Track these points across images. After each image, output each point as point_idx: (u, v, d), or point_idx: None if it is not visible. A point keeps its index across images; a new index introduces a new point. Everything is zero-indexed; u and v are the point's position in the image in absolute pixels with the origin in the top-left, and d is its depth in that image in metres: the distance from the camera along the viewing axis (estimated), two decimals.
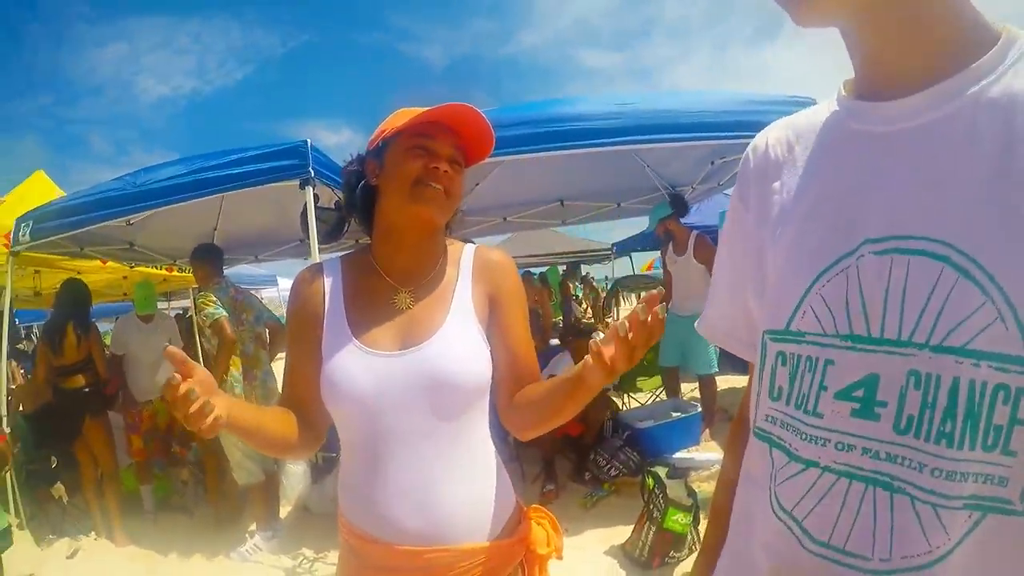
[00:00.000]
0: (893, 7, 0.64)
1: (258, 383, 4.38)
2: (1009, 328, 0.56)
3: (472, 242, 1.48)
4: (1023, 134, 0.58)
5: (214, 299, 4.17)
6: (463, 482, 1.25)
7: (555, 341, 6.99)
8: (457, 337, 1.25)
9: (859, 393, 0.64)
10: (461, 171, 1.30)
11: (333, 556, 3.84)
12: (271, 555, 4.10)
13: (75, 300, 4.81)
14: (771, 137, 0.84)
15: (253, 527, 4.36)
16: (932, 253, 0.60)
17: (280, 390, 4.92)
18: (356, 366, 1.24)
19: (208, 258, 4.53)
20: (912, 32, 0.64)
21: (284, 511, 4.65)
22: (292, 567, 3.91)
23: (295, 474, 4.63)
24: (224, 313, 4.12)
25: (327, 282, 1.35)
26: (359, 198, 1.34)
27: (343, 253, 1.43)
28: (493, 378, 1.30)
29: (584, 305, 15.60)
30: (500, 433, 1.37)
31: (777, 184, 0.79)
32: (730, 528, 0.84)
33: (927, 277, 0.60)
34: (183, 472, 5.68)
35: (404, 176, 1.24)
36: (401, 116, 1.28)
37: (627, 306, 14.70)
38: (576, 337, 5.68)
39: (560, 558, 1.39)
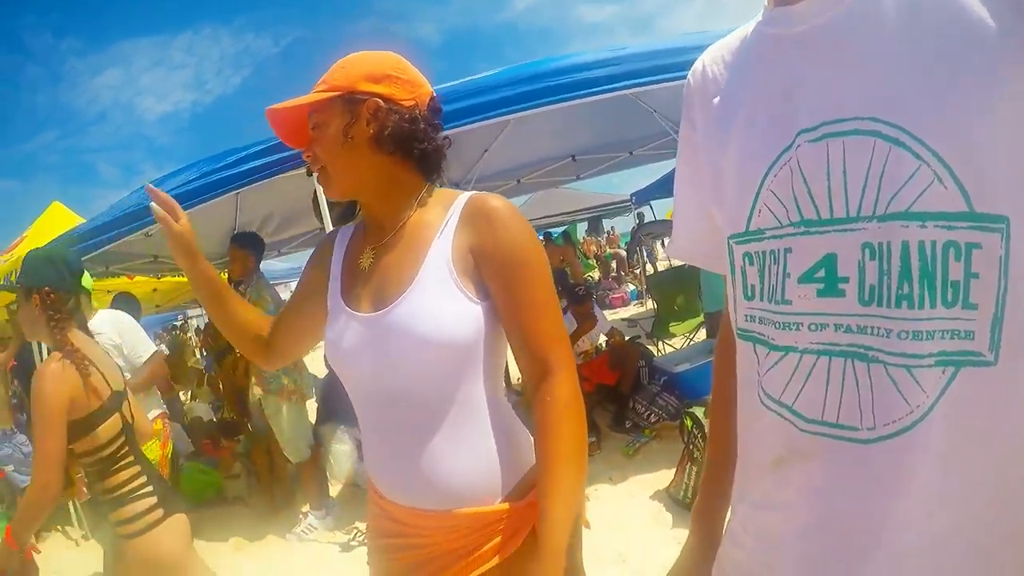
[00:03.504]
0: None
1: (306, 374, 4.57)
2: (948, 187, 0.59)
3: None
4: (923, 3, 0.61)
5: (268, 298, 4.26)
6: (457, 447, 1.19)
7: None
8: (426, 298, 1.17)
9: (820, 274, 0.67)
10: (320, 132, 1.24)
11: None
12: (326, 532, 4.22)
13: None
14: (707, 59, 0.89)
15: (306, 508, 4.48)
16: (863, 130, 0.63)
17: (313, 384, 5.04)
18: (340, 328, 1.26)
19: (252, 247, 4.48)
20: None
21: (334, 490, 4.75)
22: (346, 541, 4.02)
23: (342, 453, 4.71)
24: None
25: (337, 243, 1.39)
26: None
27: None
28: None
29: (610, 262, 15.56)
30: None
31: (717, 100, 0.83)
32: (738, 440, 0.86)
33: (862, 153, 0.63)
34: (234, 465, 5.83)
35: None
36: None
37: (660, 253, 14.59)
38: (575, 303, 5.71)
39: (587, 526, 1.27)
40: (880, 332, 0.63)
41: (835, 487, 0.68)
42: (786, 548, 0.74)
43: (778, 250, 0.71)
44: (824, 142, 0.66)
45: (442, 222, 1.23)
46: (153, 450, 3.42)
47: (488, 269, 1.19)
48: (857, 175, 0.64)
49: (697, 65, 0.90)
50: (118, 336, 3.52)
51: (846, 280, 0.65)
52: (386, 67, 1.24)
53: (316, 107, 1.24)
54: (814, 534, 0.70)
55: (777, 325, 0.72)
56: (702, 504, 1.04)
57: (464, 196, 1.26)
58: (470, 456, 1.20)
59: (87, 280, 3.53)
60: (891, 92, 0.62)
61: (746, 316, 0.78)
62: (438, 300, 1.17)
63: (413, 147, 1.25)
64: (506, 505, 1.20)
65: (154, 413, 3.59)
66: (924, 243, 0.60)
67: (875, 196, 0.62)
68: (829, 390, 0.67)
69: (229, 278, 5.45)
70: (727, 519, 0.92)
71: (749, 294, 0.77)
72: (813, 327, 0.68)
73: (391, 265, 1.24)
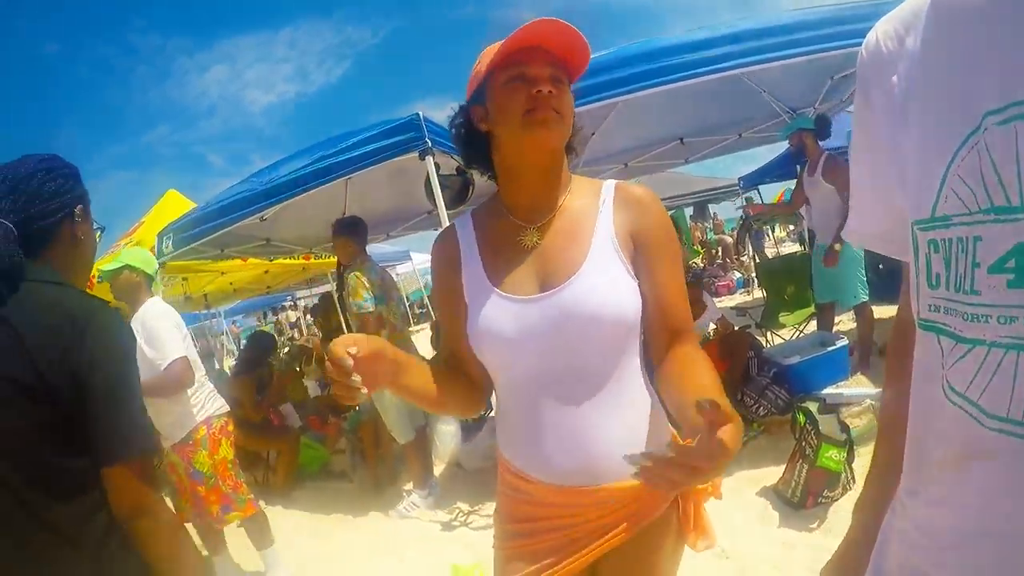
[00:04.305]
0: None
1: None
2: None
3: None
4: None
5: (367, 284, 4.14)
6: (615, 420, 1.23)
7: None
8: (599, 276, 1.21)
9: (1011, 264, 0.63)
10: (566, 88, 1.23)
11: (487, 508, 3.99)
12: (428, 511, 4.31)
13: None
14: (880, 32, 0.83)
15: (409, 486, 4.59)
16: None
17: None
18: (497, 313, 1.25)
19: (354, 232, 4.41)
20: None
21: (438, 470, 4.86)
22: (448, 521, 4.10)
23: (447, 433, 4.81)
24: (371, 308, 4.10)
25: (460, 236, 1.37)
26: (473, 147, 1.34)
27: (473, 208, 1.43)
28: (643, 320, 1.26)
29: (715, 249, 15.17)
30: (649, 372, 1.31)
31: (895, 78, 0.78)
32: (907, 436, 0.82)
33: None
34: (340, 441, 6.04)
35: (512, 111, 1.20)
36: (488, 54, 1.24)
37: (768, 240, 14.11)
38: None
39: (719, 497, 1.34)
40: None
41: (1016, 488, 0.64)
42: (960, 549, 0.70)
43: (966, 238, 0.67)
44: (1012, 124, 0.61)
45: (597, 206, 1.29)
46: (201, 460, 3.36)
47: (644, 249, 1.26)
48: None
49: (870, 39, 0.85)
50: (141, 337, 3.19)
51: None
52: None
53: (574, 67, 1.25)
54: (990, 537, 0.67)
55: (965, 316, 0.68)
56: (868, 497, 1.02)
57: (610, 183, 1.33)
58: (626, 429, 1.24)
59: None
60: None
61: (930, 306, 0.74)
62: (611, 277, 1.22)
63: (575, 144, 1.36)
64: None
65: (208, 412, 3.42)
66: None
67: None
68: (1016, 386, 0.63)
69: (337, 264, 5.54)
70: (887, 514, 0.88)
71: (934, 283, 0.73)
72: (1003, 319, 0.64)
73: (554, 247, 1.27)
